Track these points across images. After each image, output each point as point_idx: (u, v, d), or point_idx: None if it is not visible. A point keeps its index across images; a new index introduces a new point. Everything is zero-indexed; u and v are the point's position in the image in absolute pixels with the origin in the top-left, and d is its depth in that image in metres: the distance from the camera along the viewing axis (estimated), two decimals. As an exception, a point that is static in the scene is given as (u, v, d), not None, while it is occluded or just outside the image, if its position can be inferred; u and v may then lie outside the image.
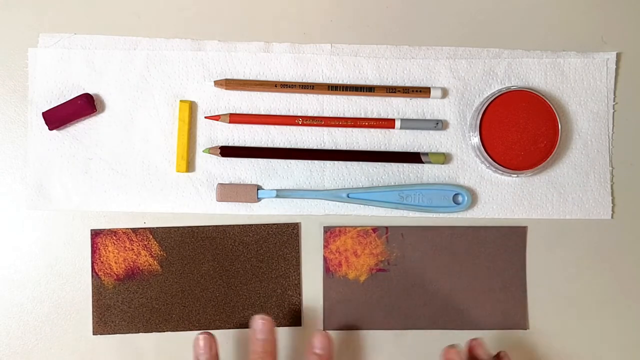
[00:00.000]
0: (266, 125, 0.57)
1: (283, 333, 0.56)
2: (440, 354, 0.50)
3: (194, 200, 0.56)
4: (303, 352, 0.56)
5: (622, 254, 0.58)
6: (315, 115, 0.57)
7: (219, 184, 0.56)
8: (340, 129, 0.57)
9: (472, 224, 0.57)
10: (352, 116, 0.57)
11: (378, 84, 0.57)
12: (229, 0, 0.57)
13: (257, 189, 0.56)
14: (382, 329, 0.56)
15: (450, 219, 0.57)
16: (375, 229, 0.57)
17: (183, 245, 0.56)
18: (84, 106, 0.55)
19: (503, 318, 0.57)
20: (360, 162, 0.57)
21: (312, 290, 0.56)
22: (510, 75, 0.57)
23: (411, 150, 0.57)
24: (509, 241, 0.57)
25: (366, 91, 0.56)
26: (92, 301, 0.56)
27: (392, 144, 0.57)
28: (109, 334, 0.56)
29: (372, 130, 0.57)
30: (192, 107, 0.56)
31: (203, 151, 0.56)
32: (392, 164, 0.57)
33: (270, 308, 0.56)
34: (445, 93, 0.57)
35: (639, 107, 0.58)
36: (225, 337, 0.56)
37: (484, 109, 0.55)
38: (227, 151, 0.56)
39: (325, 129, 0.57)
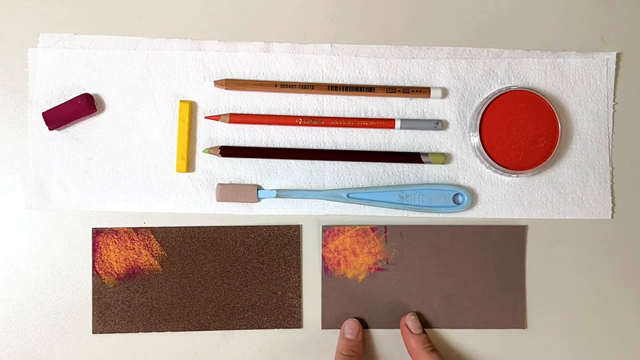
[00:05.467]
0: (266, 125, 0.57)
1: (283, 335, 0.56)
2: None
3: (194, 200, 0.56)
4: (303, 354, 0.56)
5: (622, 254, 0.58)
6: (315, 115, 0.57)
7: (219, 184, 0.56)
8: (340, 129, 0.57)
9: (472, 224, 0.57)
10: (352, 116, 0.57)
11: (378, 84, 0.57)
12: (229, 0, 0.57)
13: (257, 189, 0.56)
14: (380, 328, 0.56)
15: (450, 219, 0.57)
16: (373, 228, 0.57)
17: (184, 246, 0.56)
18: (84, 106, 0.55)
19: (501, 317, 0.57)
20: (360, 162, 0.57)
21: (311, 289, 0.57)
22: (510, 75, 0.57)
23: (411, 150, 0.57)
24: (509, 241, 0.57)
25: (366, 91, 0.56)
26: (92, 300, 0.56)
27: (392, 144, 0.57)
28: (109, 333, 0.56)
29: (372, 130, 0.57)
30: (192, 107, 0.56)
31: (203, 151, 0.56)
32: (392, 164, 0.57)
33: (270, 309, 0.56)
34: (445, 93, 0.57)
35: (639, 107, 0.58)
36: (225, 338, 0.56)
37: (484, 109, 0.55)
38: (227, 151, 0.56)
39: (325, 129, 0.57)
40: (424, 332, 0.55)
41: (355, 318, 0.56)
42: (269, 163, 0.57)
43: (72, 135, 0.56)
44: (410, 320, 0.55)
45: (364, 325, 0.56)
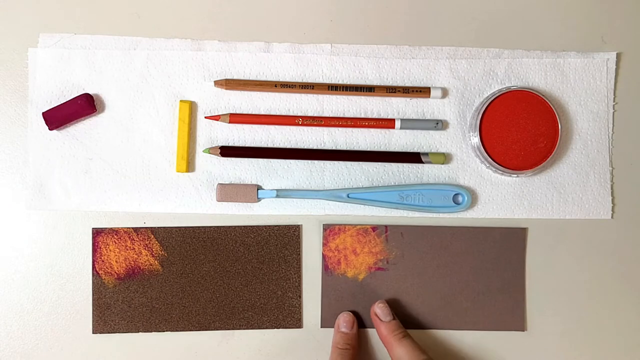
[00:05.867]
0: (266, 125, 0.57)
1: (283, 335, 0.56)
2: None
3: (194, 200, 0.56)
4: (303, 354, 0.56)
5: (622, 254, 0.58)
6: (315, 115, 0.57)
7: (219, 184, 0.56)
8: (340, 129, 0.57)
9: (472, 224, 0.57)
10: (352, 116, 0.57)
11: (378, 84, 0.57)
12: (229, 0, 0.57)
13: (257, 189, 0.56)
14: (381, 329, 0.57)
15: (450, 219, 0.57)
16: (374, 228, 0.57)
17: (184, 246, 0.56)
18: (84, 106, 0.55)
19: (501, 319, 0.57)
20: (360, 162, 0.57)
21: (311, 290, 0.57)
22: (510, 75, 0.57)
23: (411, 150, 0.57)
24: (509, 242, 0.57)
25: (366, 91, 0.56)
26: (92, 300, 0.56)
27: (392, 144, 0.57)
28: (109, 333, 0.56)
29: (372, 130, 0.57)
30: (192, 107, 0.56)
31: (203, 151, 0.56)
32: (392, 164, 0.57)
33: (270, 309, 0.56)
34: (445, 93, 0.57)
35: (639, 107, 0.58)
36: (225, 338, 0.56)
37: (484, 109, 0.55)
38: (227, 151, 0.56)
39: (325, 129, 0.57)
40: (394, 319, 0.54)
41: (350, 312, 0.56)
42: (269, 163, 0.57)
43: (72, 135, 0.56)
44: (379, 308, 0.55)
45: (363, 324, 0.56)
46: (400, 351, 0.51)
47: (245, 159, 0.57)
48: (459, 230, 0.57)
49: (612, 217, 0.58)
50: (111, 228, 0.56)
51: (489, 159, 0.55)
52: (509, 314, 0.57)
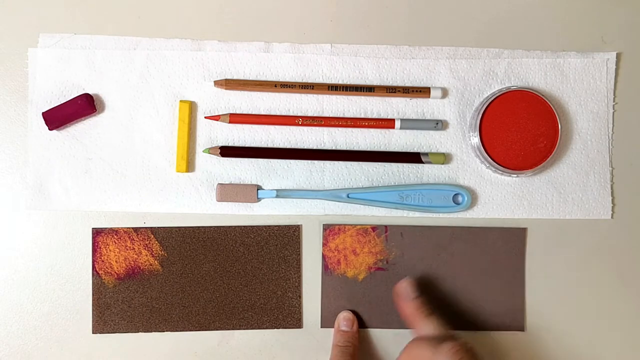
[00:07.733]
0: (266, 125, 0.57)
1: (283, 335, 0.56)
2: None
3: (194, 200, 0.56)
4: (303, 354, 0.56)
5: (622, 254, 0.58)
6: (315, 115, 0.57)
7: (219, 184, 0.56)
8: (340, 129, 0.57)
9: (472, 224, 0.57)
10: (352, 116, 0.57)
11: (378, 84, 0.57)
12: (229, 0, 0.57)
13: (257, 189, 0.56)
14: (379, 328, 0.57)
15: (450, 219, 0.57)
16: (374, 228, 0.57)
17: (184, 246, 0.56)
18: (84, 106, 0.55)
19: (500, 319, 0.57)
20: (360, 162, 0.57)
21: (311, 288, 0.57)
22: (510, 75, 0.57)
23: (411, 150, 0.57)
24: (509, 242, 0.57)
25: (366, 91, 0.56)
26: (92, 300, 0.56)
27: (392, 144, 0.57)
28: (109, 333, 0.56)
29: (372, 130, 0.57)
30: (192, 107, 0.56)
31: (203, 151, 0.56)
32: (392, 164, 0.57)
33: (270, 309, 0.56)
34: (445, 93, 0.57)
35: (639, 107, 0.58)
36: (225, 338, 0.56)
37: (484, 109, 0.55)
38: (227, 151, 0.56)
39: (325, 129, 0.57)
40: (420, 296, 0.53)
41: (350, 311, 0.56)
42: (269, 163, 0.57)
43: (72, 135, 0.56)
44: (406, 286, 0.54)
45: (363, 324, 0.56)
46: (427, 329, 0.50)
47: (245, 159, 0.57)
48: (459, 230, 0.57)
49: (612, 217, 0.58)
50: (111, 228, 0.56)
51: (489, 159, 0.55)
52: (509, 314, 0.57)
